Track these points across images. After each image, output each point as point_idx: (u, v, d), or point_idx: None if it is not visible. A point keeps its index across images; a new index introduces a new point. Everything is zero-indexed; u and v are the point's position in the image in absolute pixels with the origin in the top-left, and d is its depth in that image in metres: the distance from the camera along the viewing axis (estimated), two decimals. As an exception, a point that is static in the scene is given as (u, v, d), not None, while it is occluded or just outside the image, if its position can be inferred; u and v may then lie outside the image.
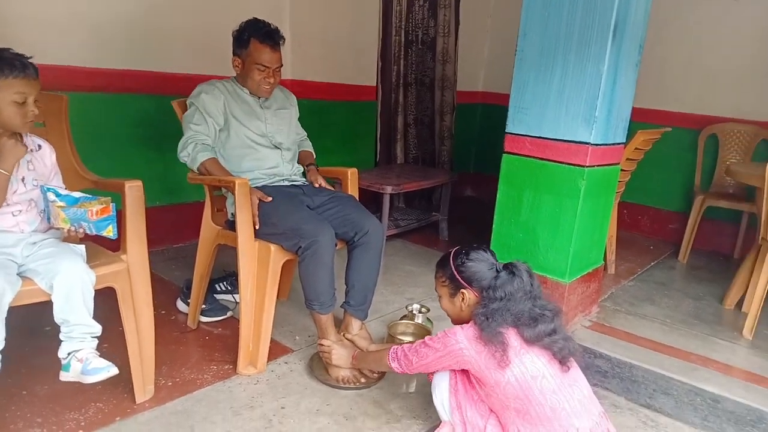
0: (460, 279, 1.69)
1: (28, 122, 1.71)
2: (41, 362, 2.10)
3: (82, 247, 1.78)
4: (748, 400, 2.24)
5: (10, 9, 2.64)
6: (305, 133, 2.74)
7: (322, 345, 2.16)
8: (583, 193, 2.55)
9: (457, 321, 1.78)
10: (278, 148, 2.46)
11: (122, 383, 1.94)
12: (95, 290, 1.72)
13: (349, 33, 4.17)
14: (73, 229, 1.68)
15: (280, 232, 2.14)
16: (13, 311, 1.58)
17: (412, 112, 4.73)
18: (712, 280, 3.69)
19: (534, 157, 2.67)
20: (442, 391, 1.74)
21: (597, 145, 2.53)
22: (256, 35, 2.29)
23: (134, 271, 1.87)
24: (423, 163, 4.91)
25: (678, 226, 4.43)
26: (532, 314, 1.59)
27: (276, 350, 2.35)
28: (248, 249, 2.15)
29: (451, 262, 1.73)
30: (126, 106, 3.13)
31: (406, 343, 2.26)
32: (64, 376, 1.69)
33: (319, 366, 2.24)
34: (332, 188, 2.53)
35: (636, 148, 3.20)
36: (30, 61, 1.70)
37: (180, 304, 2.67)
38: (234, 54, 2.37)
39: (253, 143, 2.39)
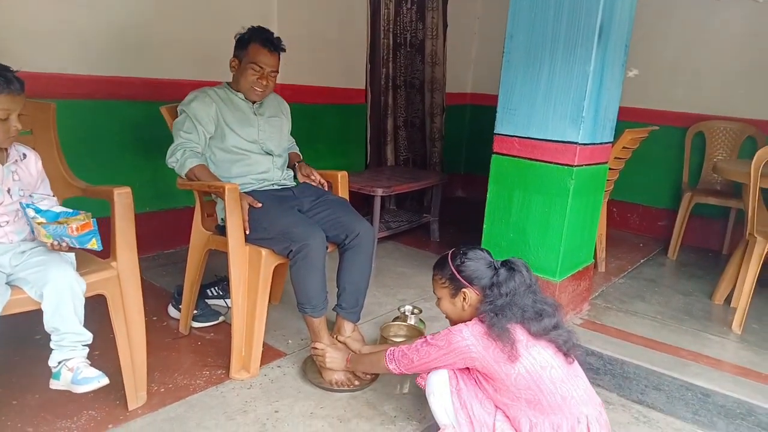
0: (460, 278, 1.71)
1: (10, 138, 1.71)
2: (32, 371, 2.09)
3: (71, 255, 1.77)
4: (737, 394, 2.27)
5: (-5, 17, 2.63)
6: (294, 139, 2.75)
7: (316, 348, 2.16)
8: (572, 193, 2.57)
9: (458, 322, 1.78)
10: (269, 154, 2.46)
11: (114, 390, 1.93)
12: (86, 298, 1.71)
13: (338, 36, 4.18)
14: (56, 243, 1.67)
15: (271, 236, 2.14)
16: (2, 321, 1.57)
17: (401, 115, 4.75)
18: (701, 276, 3.73)
19: (523, 158, 2.69)
20: (441, 393, 1.71)
21: (585, 144, 2.55)
22: (257, 38, 2.32)
23: (124, 278, 1.86)
24: (413, 165, 4.92)
25: (667, 223, 4.47)
26: (535, 309, 1.61)
27: (269, 354, 2.35)
28: (239, 254, 2.15)
29: (450, 262, 1.74)
30: (114, 112, 3.12)
31: (399, 344, 2.27)
32: (54, 385, 1.68)
33: (312, 369, 2.24)
34: (325, 183, 2.54)
35: (624, 147, 3.23)
36: (15, 74, 1.67)
37: (171, 310, 2.66)
38: (233, 56, 2.39)
39: (244, 150, 2.38)
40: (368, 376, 2.19)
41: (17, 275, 1.67)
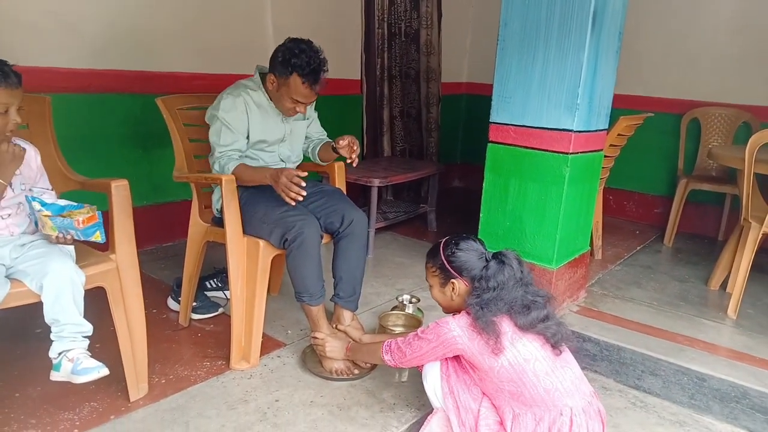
0: (450, 269, 1.71)
1: (9, 132, 1.71)
2: (33, 364, 2.10)
3: (71, 248, 1.78)
4: (732, 378, 2.30)
5: (-12, 11, 2.62)
6: (324, 132, 2.68)
7: (316, 338, 2.18)
8: (568, 180, 2.58)
9: (448, 310, 1.81)
10: (283, 162, 2.44)
11: (116, 382, 1.94)
12: (86, 290, 1.72)
13: (332, 26, 4.17)
14: (61, 235, 1.68)
15: (267, 223, 2.15)
16: (2, 314, 1.58)
17: (397, 105, 4.74)
18: (697, 263, 3.75)
19: (518, 146, 2.70)
20: (433, 378, 1.76)
21: (580, 132, 2.57)
22: (300, 71, 2.14)
23: (124, 270, 1.87)
24: (410, 156, 4.92)
25: (663, 210, 4.49)
26: (524, 301, 1.61)
27: (268, 345, 2.36)
28: (237, 245, 2.16)
29: (441, 252, 1.75)
30: (110, 106, 3.11)
31: (398, 333, 2.29)
32: (54, 376, 1.70)
33: (312, 358, 2.25)
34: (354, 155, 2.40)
35: (619, 134, 3.24)
36: (12, 68, 1.67)
37: (171, 303, 2.67)
38: (271, 71, 2.23)
39: (260, 152, 2.37)
40: (367, 364, 2.20)
41: (17, 268, 1.68)
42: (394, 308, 2.60)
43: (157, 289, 2.83)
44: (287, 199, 2.04)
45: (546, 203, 2.66)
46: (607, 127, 2.87)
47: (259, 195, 2.25)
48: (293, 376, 2.17)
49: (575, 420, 1.56)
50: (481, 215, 2.89)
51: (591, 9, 2.39)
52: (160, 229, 3.42)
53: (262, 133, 2.31)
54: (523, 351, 1.58)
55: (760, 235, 2.79)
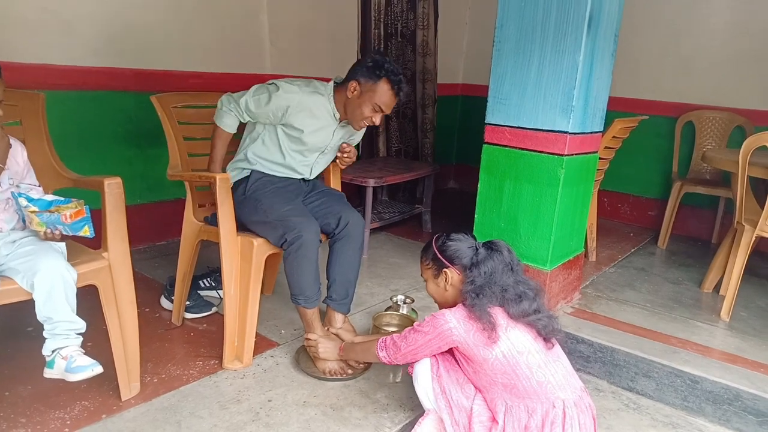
0: (442, 258, 1.75)
1: None
2: (23, 363, 2.09)
3: (62, 245, 1.77)
4: (725, 380, 2.30)
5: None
6: None
7: (309, 339, 2.18)
8: (563, 182, 2.59)
9: (443, 303, 1.82)
10: (310, 173, 2.43)
11: (107, 381, 1.93)
12: (78, 289, 1.71)
13: (328, 26, 4.16)
14: (49, 231, 1.67)
15: (269, 220, 2.15)
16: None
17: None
18: (690, 265, 3.76)
19: (514, 147, 2.70)
20: (424, 379, 1.76)
21: (575, 133, 2.57)
22: (390, 77, 2.19)
23: (116, 268, 1.86)
24: (405, 156, 4.92)
25: (657, 212, 4.50)
26: (516, 291, 1.64)
27: (262, 344, 2.36)
28: (231, 244, 2.15)
29: (434, 244, 1.80)
30: (104, 103, 3.10)
31: (392, 333, 2.29)
32: (48, 373, 1.68)
33: (305, 359, 2.25)
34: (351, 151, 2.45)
35: (614, 137, 3.25)
36: None
37: (164, 302, 2.66)
38: (355, 78, 2.23)
39: (298, 154, 2.35)
40: (361, 365, 2.20)
41: (7, 265, 1.67)
42: (388, 309, 2.60)
43: (151, 287, 2.81)
44: None
45: (541, 205, 2.66)
46: (602, 129, 2.88)
47: (266, 186, 2.26)
48: (286, 376, 2.16)
49: (568, 412, 1.56)
50: (475, 216, 2.89)
51: (587, 11, 2.40)
52: (154, 227, 3.40)
53: (306, 135, 2.28)
54: (516, 343, 1.60)
55: (754, 239, 2.80)
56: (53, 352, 1.67)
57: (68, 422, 1.80)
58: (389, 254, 3.65)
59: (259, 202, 2.21)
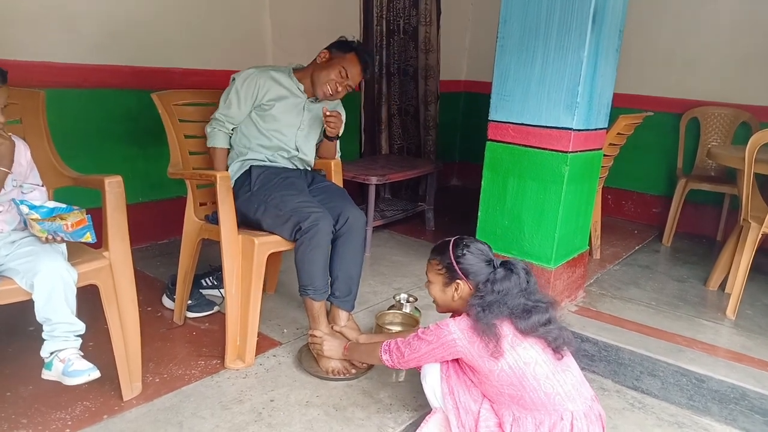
0: (457, 269, 1.70)
1: None
2: (25, 363, 2.08)
3: (62, 245, 1.76)
4: (731, 379, 2.28)
5: (-18, 5, 2.59)
6: None
7: (314, 336, 2.16)
8: (567, 179, 2.57)
9: (445, 309, 1.80)
10: (297, 150, 2.46)
11: (109, 381, 1.92)
12: (79, 288, 1.70)
13: (330, 23, 4.13)
14: (50, 236, 1.65)
15: (282, 213, 2.15)
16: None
17: (396, 102, 4.72)
18: (695, 263, 3.74)
19: (517, 144, 2.68)
20: (432, 378, 1.74)
21: (579, 130, 2.55)
22: (359, 53, 2.38)
23: (117, 267, 1.84)
24: (408, 154, 4.90)
25: (661, 209, 4.48)
26: (526, 307, 1.60)
27: (264, 344, 2.34)
28: (232, 242, 2.14)
29: (451, 251, 1.73)
30: (105, 101, 3.08)
31: (395, 332, 2.27)
32: (45, 375, 1.67)
33: (308, 358, 2.23)
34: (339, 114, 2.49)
35: (618, 133, 3.22)
36: None
37: (166, 301, 2.65)
38: (327, 48, 2.43)
39: (275, 137, 2.39)
40: (364, 364, 2.18)
41: (7, 265, 1.66)
42: (391, 307, 2.58)
43: (152, 286, 2.80)
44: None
45: (545, 202, 2.64)
46: (606, 125, 2.85)
47: (271, 180, 2.27)
48: (289, 376, 2.15)
49: (576, 424, 1.54)
50: (479, 214, 2.87)
51: (591, 7, 2.37)
52: (155, 226, 3.39)
53: (281, 109, 2.37)
54: (523, 355, 1.57)
55: (760, 236, 2.77)
56: (51, 353, 1.66)
57: (69, 423, 1.79)
58: (392, 252, 3.63)
59: (269, 197, 2.21)
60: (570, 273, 2.88)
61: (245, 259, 2.15)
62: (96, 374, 1.66)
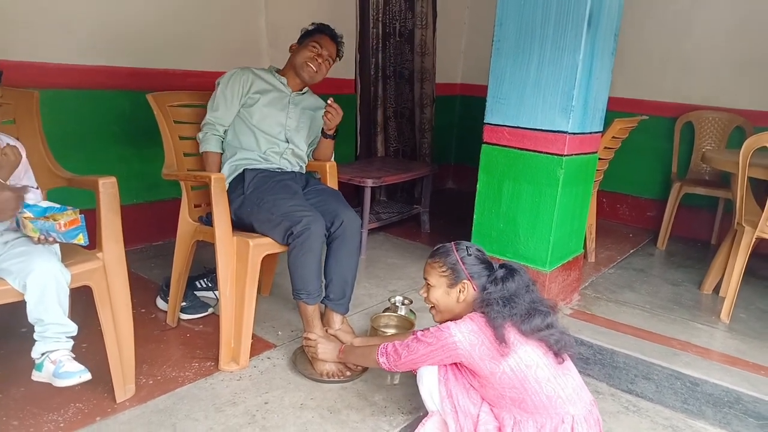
0: (464, 270, 1.70)
1: None
2: (16, 364, 2.06)
3: (56, 246, 1.75)
4: (726, 383, 2.29)
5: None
6: None
7: (308, 339, 2.15)
8: (562, 182, 2.57)
9: (446, 315, 1.77)
10: (288, 142, 2.47)
11: (102, 382, 1.91)
12: (73, 290, 1.69)
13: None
14: (43, 237, 1.64)
15: (274, 217, 2.14)
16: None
17: (391, 105, 4.72)
18: (690, 266, 3.75)
19: (512, 147, 2.68)
20: (429, 380, 1.72)
21: (574, 133, 2.55)
22: (323, 28, 2.51)
23: (110, 268, 1.83)
24: (404, 156, 4.90)
25: (656, 213, 4.49)
26: (529, 309, 1.61)
27: (258, 346, 2.33)
28: (226, 244, 2.13)
29: (455, 251, 1.73)
30: (100, 102, 3.07)
31: (390, 335, 2.27)
32: (36, 376, 1.66)
33: (302, 360, 2.22)
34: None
35: (613, 137, 3.23)
36: None
37: (160, 302, 2.64)
38: (296, 42, 2.53)
39: (264, 132, 2.42)
40: (359, 367, 2.18)
41: (0, 266, 1.64)
42: (386, 310, 2.58)
43: (146, 288, 2.79)
44: None
45: (540, 205, 2.64)
46: (601, 129, 2.86)
47: (265, 182, 2.26)
48: (283, 378, 2.14)
49: (576, 428, 1.54)
50: (474, 217, 2.87)
51: (587, 10, 2.38)
52: (149, 227, 3.38)
53: (267, 102, 2.42)
54: (525, 357, 1.56)
55: (754, 240, 2.78)
56: (43, 355, 1.65)
57: (62, 425, 1.78)
58: (387, 255, 3.63)
59: (262, 201, 2.20)
60: (565, 276, 2.88)
61: (240, 261, 2.15)
62: (87, 376, 1.65)
